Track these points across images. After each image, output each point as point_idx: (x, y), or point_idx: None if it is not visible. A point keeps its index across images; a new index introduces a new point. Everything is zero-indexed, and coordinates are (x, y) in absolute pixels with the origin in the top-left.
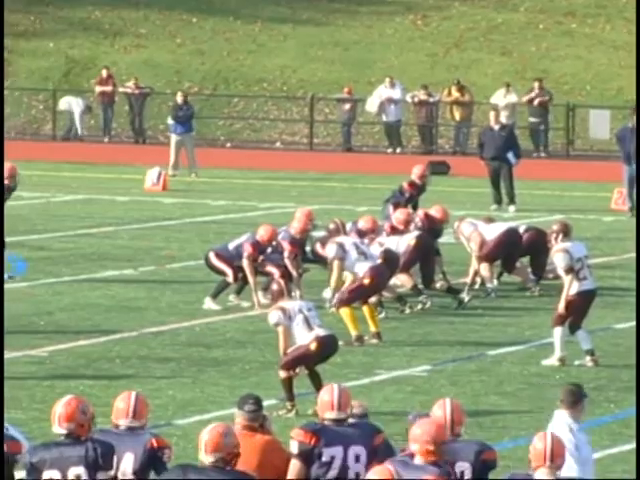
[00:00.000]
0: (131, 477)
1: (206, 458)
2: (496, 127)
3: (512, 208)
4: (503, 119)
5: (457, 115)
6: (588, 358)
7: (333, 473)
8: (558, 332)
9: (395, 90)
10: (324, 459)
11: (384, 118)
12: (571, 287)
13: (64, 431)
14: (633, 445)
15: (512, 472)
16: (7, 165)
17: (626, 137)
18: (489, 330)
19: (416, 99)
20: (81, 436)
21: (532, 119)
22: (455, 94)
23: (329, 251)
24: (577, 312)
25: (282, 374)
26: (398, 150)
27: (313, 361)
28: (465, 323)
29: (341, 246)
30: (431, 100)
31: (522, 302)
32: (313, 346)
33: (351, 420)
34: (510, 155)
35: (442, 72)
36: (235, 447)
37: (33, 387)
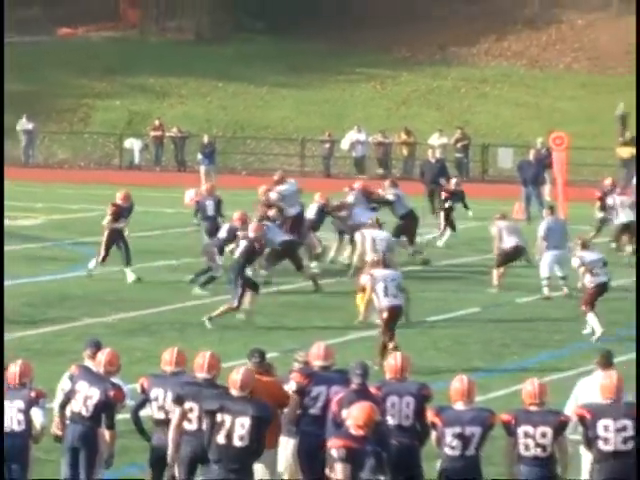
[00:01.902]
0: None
1: (235, 392)
2: (432, 160)
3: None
4: (437, 155)
5: (405, 152)
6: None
7: (319, 405)
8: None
9: (361, 134)
10: (313, 394)
11: (354, 154)
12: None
13: (205, 376)
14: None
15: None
16: (123, 191)
17: (524, 167)
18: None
19: (376, 140)
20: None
21: (457, 155)
22: (403, 137)
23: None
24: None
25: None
26: (364, 176)
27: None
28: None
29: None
30: (387, 141)
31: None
32: (385, 314)
33: (333, 368)
34: (442, 180)
35: (395, 121)
36: (253, 385)
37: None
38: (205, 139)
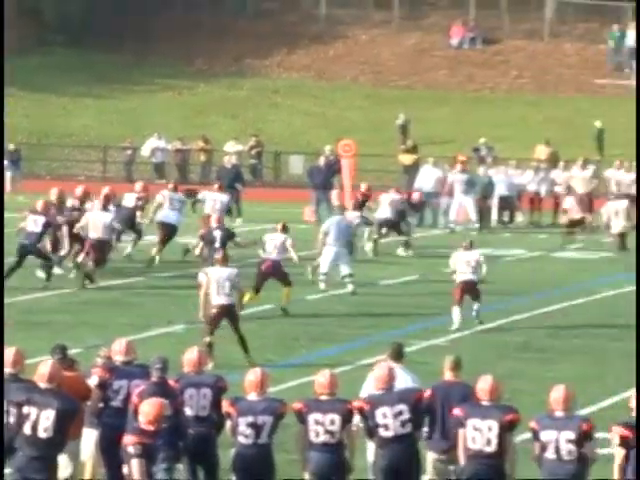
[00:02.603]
0: None
1: (43, 384)
2: (228, 166)
3: (239, 220)
4: (233, 161)
5: (203, 158)
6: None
7: (121, 397)
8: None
9: (161, 141)
10: (114, 388)
11: (154, 160)
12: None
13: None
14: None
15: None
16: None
17: (314, 172)
18: None
19: (175, 147)
20: None
21: (252, 161)
22: (201, 144)
23: None
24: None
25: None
26: (163, 181)
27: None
28: None
29: None
30: (185, 148)
31: None
32: (214, 311)
33: (136, 363)
34: (238, 185)
35: (192, 129)
36: (60, 377)
37: None
38: (11, 147)
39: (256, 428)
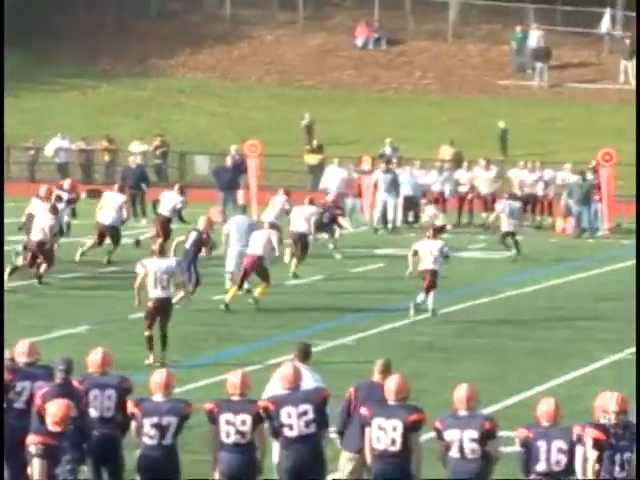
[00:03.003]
0: None
1: None
2: (133, 166)
3: (144, 221)
4: (138, 161)
5: (107, 158)
6: None
7: (23, 399)
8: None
9: (65, 141)
10: (17, 389)
11: (57, 160)
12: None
13: None
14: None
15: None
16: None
17: (220, 173)
18: None
19: (79, 147)
20: None
21: (157, 161)
22: (105, 144)
23: None
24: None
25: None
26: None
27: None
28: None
29: None
30: (89, 148)
31: None
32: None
33: (39, 364)
34: (143, 185)
35: (96, 129)
36: None
37: None
38: None
39: (161, 429)
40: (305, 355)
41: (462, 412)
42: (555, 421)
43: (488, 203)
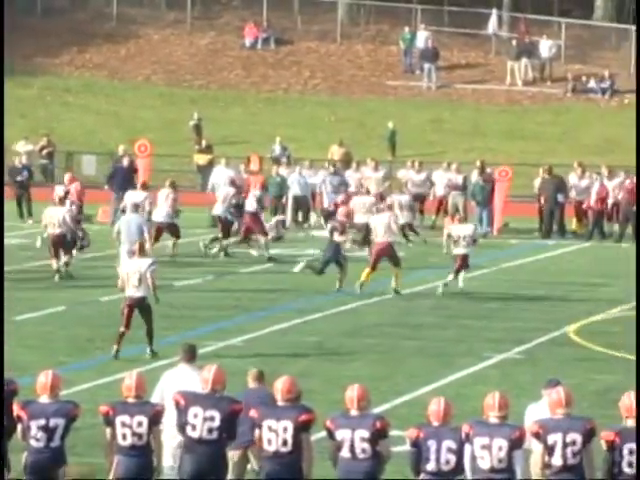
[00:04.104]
0: None
1: None
2: (19, 166)
3: (30, 221)
4: (24, 161)
5: None
6: None
7: None
8: None
9: None
10: None
11: None
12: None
13: None
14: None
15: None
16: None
17: (117, 172)
18: None
19: None
20: None
21: (43, 161)
22: None
23: None
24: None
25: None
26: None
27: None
28: None
29: None
30: None
31: None
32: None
33: None
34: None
35: None
36: None
37: None
38: None
39: (48, 431)
40: (190, 356)
41: (353, 412)
42: (445, 420)
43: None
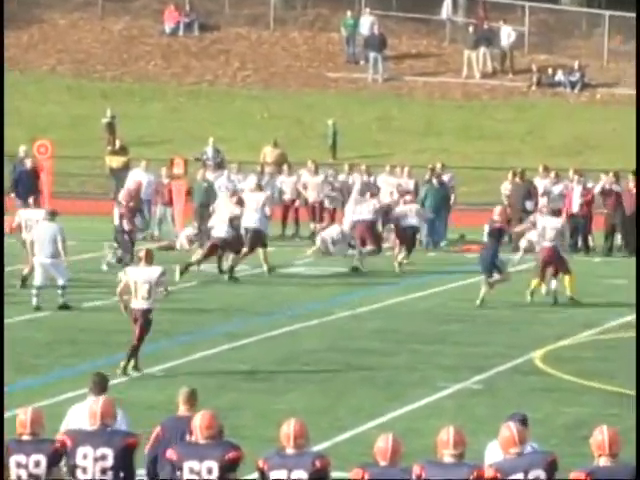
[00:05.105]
0: None
1: None
2: None
3: None
4: None
5: None
6: None
7: None
8: None
9: None
10: None
11: None
12: None
13: None
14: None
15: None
16: None
17: (21, 177)
18: None
19: None
20: None
21: None
22: None
23: None
24: None
25: None
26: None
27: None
28: None
29: None
30: None
31: None
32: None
33: None
34: None
35: None
36: None
37: None
38: None
39: None
40: (101, 387)
41: (289, 450)
42: (393, 460)
43: (317, 212)
